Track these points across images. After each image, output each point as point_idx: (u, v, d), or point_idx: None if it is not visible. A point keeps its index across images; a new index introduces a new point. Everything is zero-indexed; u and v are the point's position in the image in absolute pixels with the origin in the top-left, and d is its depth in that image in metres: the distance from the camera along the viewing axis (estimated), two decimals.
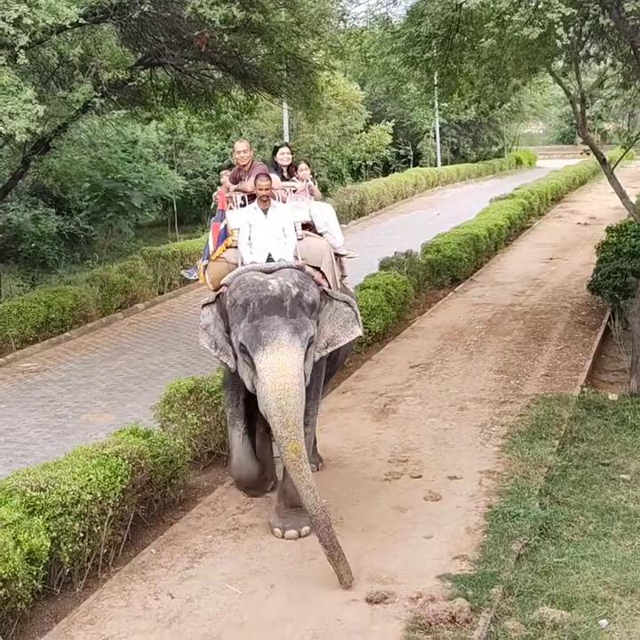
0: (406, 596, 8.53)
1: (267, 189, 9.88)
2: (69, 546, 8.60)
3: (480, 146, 62.96)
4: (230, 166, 11.55)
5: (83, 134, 23.54)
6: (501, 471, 11.36)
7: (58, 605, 8.70)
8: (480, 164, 59.68)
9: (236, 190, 10.44)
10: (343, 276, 10.89)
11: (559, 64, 19.26)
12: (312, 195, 10.81)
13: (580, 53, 17.68)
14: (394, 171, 50.98)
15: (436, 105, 35.96)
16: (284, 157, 10.94)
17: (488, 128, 61.19)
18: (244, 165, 10.56)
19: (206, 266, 10.04)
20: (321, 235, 10.42)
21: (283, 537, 9.68)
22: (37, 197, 28.06)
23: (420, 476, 11.35)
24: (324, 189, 39.16)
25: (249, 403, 9.74)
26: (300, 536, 9.69)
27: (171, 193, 31.09)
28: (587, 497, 10.64)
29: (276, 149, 11.18)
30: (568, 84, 19.71)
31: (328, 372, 10.42)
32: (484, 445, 12.33)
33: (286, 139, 35.00)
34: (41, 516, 8.43)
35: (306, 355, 8.93)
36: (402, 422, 13.40)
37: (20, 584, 7.87)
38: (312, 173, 11.10)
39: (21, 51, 13.96)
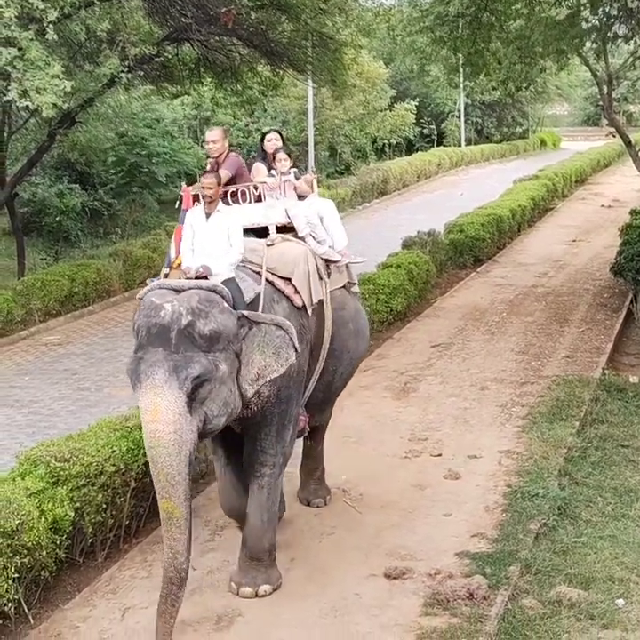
0: (424, 572, 8.60)
1: (210, 189, 8.25)
2: (92, 516, 8.71)
3: (504, 126, 62.66)
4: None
5: (108, 109, 23.60)
6: (521, 451, 11.40)
7: (80, 575, 8.83)
8: (504, 145, 59.43)
9: (201, 187, 8.71)
10: (352, 284, 9.75)
11: (587, 45, 19.17)
12: (296, 190, 9.29)
13: (608, 34, 17.61)
14: (417, 150, 50.86)
15: (462, 84, 35.93)
16: (271, 145, 9.50)
17: (513, 108, 60.88)
18: (217, 157, 9.21)
19: (167, 275, 8.48)
20: (303, 239, 9.03)
21: (237, 594, 8.35)
22: (62, 172, 28.13)
23: (439, 455, 11.42)
24: (347, 168, 39.18)
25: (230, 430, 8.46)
26: (256, 595, 8.32)
27: (195, 168, 31.11)
28: (605, 478, 10.68)
29: (263, 136, 9.83)
30: (595, 65, 19.63)
31: (322, 397, 9.34)
32: (504, 425, 12.37)
33: (310, 116, 34.94)
34: (65, 487, 8.54)
35: (196, 396, 7.32)
36: (422, 401, 13.45)
37: (44, 553, 8.00)
38: (295, 165, 9.52)
39: (50, 25, 14.00)
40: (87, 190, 28.43)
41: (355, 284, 9.85)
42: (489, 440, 11.83)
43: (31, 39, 13.94)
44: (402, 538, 9.34)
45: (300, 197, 9.27)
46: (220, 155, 9.19)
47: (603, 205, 34.94)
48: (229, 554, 8.93)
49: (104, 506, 8.81)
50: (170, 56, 20.43)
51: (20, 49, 13.95)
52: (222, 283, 7.87)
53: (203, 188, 8.30)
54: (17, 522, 7.71)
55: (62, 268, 20.13)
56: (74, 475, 8.62)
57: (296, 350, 7.96)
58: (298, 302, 8.55)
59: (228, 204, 8.80)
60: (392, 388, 14.10)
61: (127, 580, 8.65)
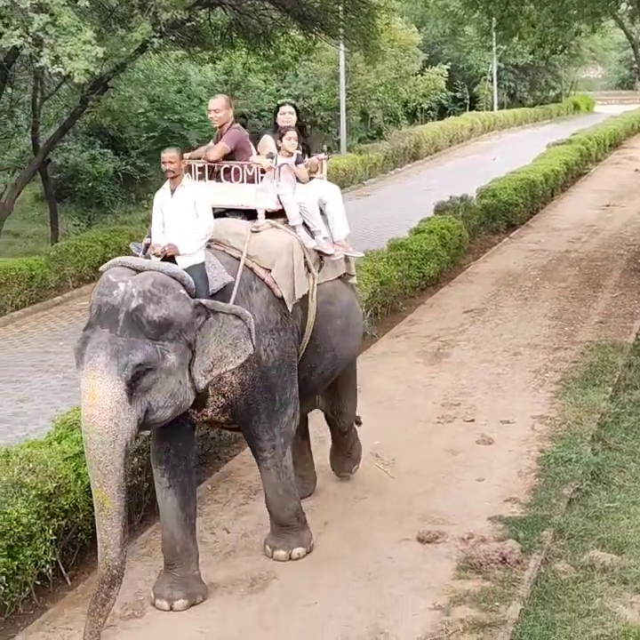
0: (457, 536, 8.64)
1: (171, 163, 7.65)
2: (128, 480, 8.77)
3: (537, 90, 62.15)
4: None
5: (140, 73, 23.59)
6: (554, 416, 11.39)
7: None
8: (537, 109, 58.98)
9: (190, 157, 8.49)
10: (350, 276, 9.22)
11: (622, 7, 18.95)
12: (298, 175, 8.62)
13: None
14: (450, 114, 50.53)
15: (494, 48, 35.62)
16: (285, 119, 8.78)
17: (546, 72, 60.34)
18: (220, 127, 8.63)
19: (148, 245, 8.06)
20: (293, 228, 8.47)
21: (271, 557, 8.42)
22: (94, 137, 28.20)
23: (472, 420, 11.42)
24: (379, 132, 39.00)
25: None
26: (290, 558, 8.39)
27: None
28: (639, 443, 10.65)
29: (277, 108, 9.10)
30: (630, 27, 19.41)
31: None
32: (537, 391, 12.35)
33: (342, 80, 34.76)
34: None
35: (138, 385, 6.92)
36: (455, 367, 13.45)
37: (81, 515, 8.10)
38: (304, 145, 8.83)
39: None
40: (119, 155, 28.50)
41: (353, 276, 9.31)
42: (522, 405, 11.82)
43: (63, 5, 13.94)
44: (435, 502, 9.38)
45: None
46: (223, 125, 8.58)
47: (637, 170, 34.60)
48: (263, 517, 8.96)
49: (139, 469, 8.87)
50: (202, 21, 20.38)
51: (51, 15, 13.96)
52: (189, 268, 7.46)
53: (164, 163, 7.67)
54: (54, 485, 7.82)
55: (95, 234, 20.19)
56: None
57: (252, 342, 7.42)
58: (278, 294, 8.06)
59: (220, 180, 8.45)
60: (424, 353, 14.10)
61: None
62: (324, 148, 9.49)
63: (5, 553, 7.35)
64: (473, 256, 20.66)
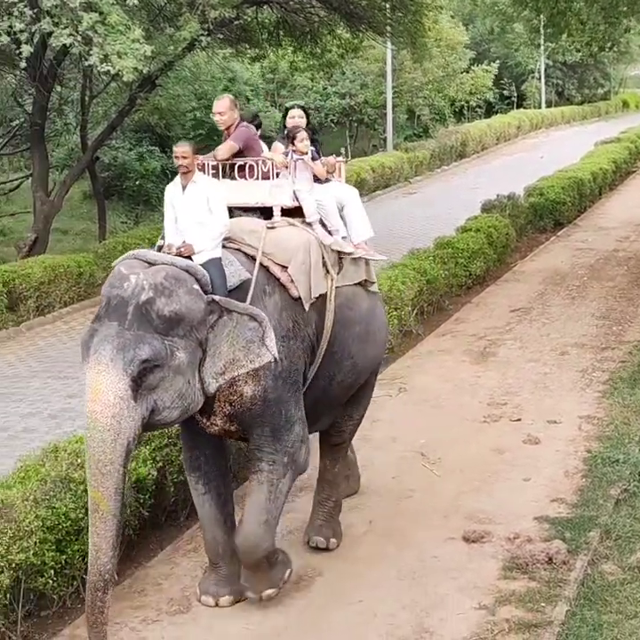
0: (503, 536, 8.59)
1: (184, 158, 7.39)
2: (174, 476, 8.83)
3: (586, 88, 61.64)
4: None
5: (187, 71, 23.71)
6: (601, 417, 11.31)
7: (163, 533, 8.98)
8: (585, 107, 58.55)
9: (175, 157, 7.75)
10: (370, 283, 8.52)
11: None
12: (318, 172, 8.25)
13: None
14: (497, 112, 50.30)
15: (542, 45, 35.41)
16: (294, 122, 8.44)
17: (595, 69, 59.86)
18: (226, 130, 8.32)
19: (161, 247, 7.68)
20: (310, 225, 8.04)
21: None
22: (142, 135, 28.37)
23: (519, 420, 11.37)
24: (425, 130, 38.90)
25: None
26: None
27: (272, 131, 31.17)
28: None
29: (286, 111, 8.77)
30: None
31: (313, 405, 7.94)
32: (584, 391, 12.26)
33: (389, 78, 34.70)
34: (148, 447, 8.67)
35: (144, 382, 6.60)
36: (501, 366, 13.39)
37: (128, 511, 8.14)
38: (314, 140, 8.36)
39: None
40: (167, 153, 28.58)
41: (373, 283, 8.59)
42: (569, 405, 11.75)
43: (112, 3, 14.08)
44: (480, 502, 9.34)
45: (323, 181, 8.28)
46: (230, 127, 8.25)
47: None
48: (308, 515, 9.00)
49: None
50: (249, 19, 20.47)
51: (101, 13, 14.08)
52: (205, 263, 7.16)
53: (176, 157, 7.43)
54: None
55: (142, 231, 20.31)
56: (156, 435, 8.75)
57: (267, 347, 7.01)
58: (294, 293, 7.58)
59: (234, 178, 8.08)
60: (471, 352, 14.05)
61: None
62: (341, 150, 9.08)
63: (54, 547, 7.44)
64: (520, 255, 20.55)
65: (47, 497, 7.57)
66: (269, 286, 7.53)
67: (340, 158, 8.67)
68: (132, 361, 6.53)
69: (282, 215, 7.99)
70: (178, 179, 7.54)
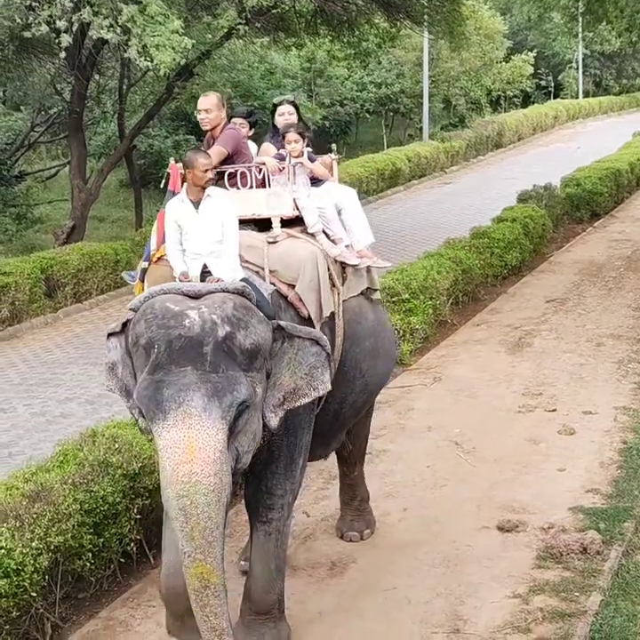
0: (538, 525, 8.59)
1: (205, 171, 6.56)
2: None
3: (624, 78, 61.13)
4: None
5: (223, 59, 23.77)
6: (637, 408, 11.27)
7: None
8: (623, 97, 58.09)
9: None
10: (373, 290, 7.86)
11: None
12: (313, 173, 7.53)
13: None
14: (534, 102, 50.04)
15: (580, 35, 35.17)
16: (283, 119, 7.73)
17: (633, 59, 59.30)
18: (212, 130, 7.52)
19: (145, 270, 7.06)
20: (313, 236, 7.32)
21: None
22: (178, 123, 28.44)
23: (554, 410, 11.34)
24: (461, 120, 38.78)
25: None
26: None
27: (308, 121, 31.17)
28: None
29: (274, 108, 7.90)
30: None
31: (326, 429, 7.35)
32: (620, 382, 12.22)
33: (425, 68, 34.59)
34: None
35: (236, 427, 5.83)
36: (537, 356, 13.36)
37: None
38: (309, 140, 7.55)
39: None
40: (202, 142, 28.69)
41: (376, 290, 7.93)
42: (604, 396, 11.71)
43: None
44: (515, 491, 9.34)
45: (315, 182, 7.54)
46: (215, 127, 7.47)
47: None
48: None
49: None
50: (286, 8, 20.46)
51: (139, 3, 14.15)
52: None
53: (195, 172, 6.53)
54: (139, 465, 7.95)
55: None
56: None
57: (330, 373, 6.43)
58: (303, 312, 6.86)
59: (223, 187, 7.15)
60: (506, 342, 14.03)
61: (243, 524, 8.77)
62: (333, 146, 8.63)
63: (91, 530, 7.51)
64: (556, 245, 20.47)
65: (85, 481, 7.64)
66: (283, 302, 6.83)
67: (334, 156, 7.90)
68: (231, 406, 5.72)
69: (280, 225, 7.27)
70: (183, 194, 6.70)
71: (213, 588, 5.62)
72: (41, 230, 24.09)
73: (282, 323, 6.34)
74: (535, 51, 47.55)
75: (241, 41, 21.66)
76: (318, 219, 7.34)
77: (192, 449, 5.58)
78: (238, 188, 7.29)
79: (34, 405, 12.30)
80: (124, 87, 22.60)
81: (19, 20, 15.25)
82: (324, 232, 7.38)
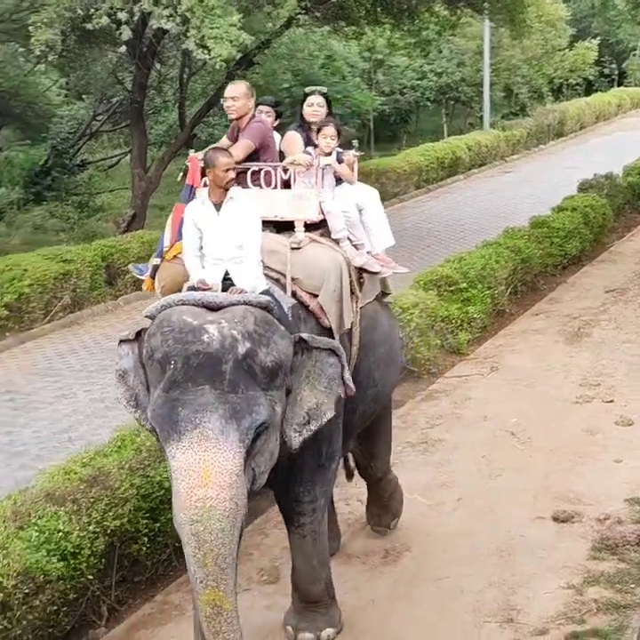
0: (593, 516, 8.55)
1: (226, 171, 6.19)
2: None
3: None
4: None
5: (284, 47, 23.81)
6: None
7: (255, 503, 9.05)
8: None
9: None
10: (385, 294, 7.74)
11: None
12: (341, 176, 7.17)
13: None
14: (597, 90, 49.43)
15: None
16: (312, 111, 7.24)
17: None
18: (237, 120, 7.16)
19: (157, 267, 6.85)
20: (336, 242, 7.00)
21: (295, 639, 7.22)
22: None
23: (611, 401, 11.26)
24: (522, 108, 38.46)
25: None
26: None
27: (367, 110, 31.13)
28: None
29: (304, 98, 7.41)
30: None
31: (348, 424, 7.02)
32: None
33: (486, 56, 34.33)
34: None
35: (253, 448, 5.56)
36: (595, 346, 13.25)
37: None
38: (351, 142, 7.38)
39: None
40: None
41: (388, 294, 7.78)
42: None
43: None
44: (571, 482, 9.30)
45: (339, 182, 7.24)
46: (242, 117, 7.11)
47: None
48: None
49: None
50: None
51: None
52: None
53: (216, 171, 6.16)
54: None
55: None
56: None
57: (346, 382, 6.14)
58: (325, 323, 6.61)
59: (246, 186, 6.77)
60: (564, 332, 13.92)
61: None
62: (354, 143, 8.21)
63: (148, 515, 7.61)
64: (617, 235, 20.22)
65: (142, 466, 7.76)
66: (303, 312, 6.54)
67: (356, 153, 7.40)
68: (250, 428, 5.46)
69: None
70: (205, 194, 6.37)
71: (226, 615, 5.44)
72: (102, 218, 24.35)
73: (303, 335, 6.05)
74: (599, 38, 46.91)
75: (301, 29, 21.69)
76: (344, 225, 7.01)
77: (208, 473, 5.35)
78: (261, 187, 6.92)
79: (93, 391, 12.46)
80: (185, 76, 22.74)
81: (80, 12, 15.39)
82: (348, 239, 7.06)
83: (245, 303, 5.77)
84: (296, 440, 5.99)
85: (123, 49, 16.34)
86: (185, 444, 5.38)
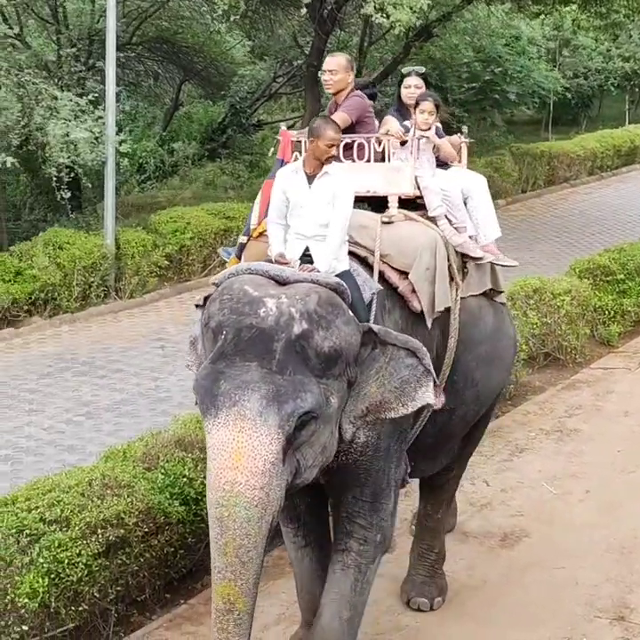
0: None
1: (330, 146, 5.70)
2: None
3: None
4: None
5: (467, 23, 23.60)
6: None
7: None
8: None
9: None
10: (498, 292, 7.02)
11: None
12: (439, 151, 6.70)
13: None
14: None
15: None
16: (409, 93, 6.84)
17: None
18: (335, 95, 6.75)
19: (243, 246, 6.46)
20: (433, 221, 6.48)
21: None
22: None
23: None
24: None
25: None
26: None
27: (548, 91, 30.53)
28: None
29: (401, 79, 7.05)
30: None
31: (432, 442, 6.48)
32: None
33: None
34: None
35: (297, 438, 5.07)
36: None
37: None
38: (450, 122, 7.05)
39: None
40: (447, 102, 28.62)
41: (501, 292, 7.08)
42: None
43: None
44: None
45: (441, 165, 6.75)
46: (340, 92, 6.70)
47: None
48: (524, 476, 9.03)
49: None
50: None
51: None
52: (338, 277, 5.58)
53: (319, 143, 5.68)
54: None
55: None
56: None
57: (430, 390, 5.49)
58: (415, 306, 6.07)
59: (338, 159, 6.20)
60: None
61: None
62: (464, 129, 7.77)
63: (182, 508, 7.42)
64: None
65: None
66: (389, 301, 5.99)
67: (464, 138, 7.03)
68: (292, 414, 4.98)
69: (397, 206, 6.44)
70: (299, 164, 5.90)
71: (237, 614, 4.99)
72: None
73: (374, 327, 5.48)
74: None
75: (485, 5, 21.43)
76: (441, 202, 6.50)
77: (239, 455, 4.93)
78: (354, 161, 6.51)
79: None
80: (365, 44, 22.78)
81: None
82: (446, 217, 6.53)
83: (312, 282, 5.34)
84: (349, 432, 5.43)
85: (303, 11, 16.46)
86: (221, 420, 4.99)
